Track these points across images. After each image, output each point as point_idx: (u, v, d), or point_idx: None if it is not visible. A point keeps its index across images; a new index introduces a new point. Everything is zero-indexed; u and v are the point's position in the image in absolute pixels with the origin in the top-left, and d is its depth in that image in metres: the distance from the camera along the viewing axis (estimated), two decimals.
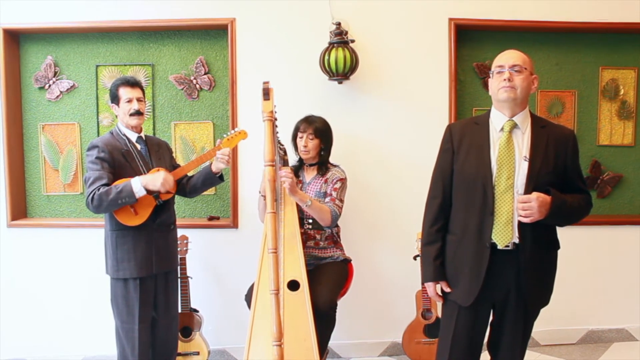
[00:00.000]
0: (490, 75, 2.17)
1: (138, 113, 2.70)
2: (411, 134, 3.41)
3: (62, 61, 3.46)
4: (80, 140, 3.48)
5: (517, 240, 2.07)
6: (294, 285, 2.67)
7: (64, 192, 3.51)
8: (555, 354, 3.45)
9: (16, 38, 3.44)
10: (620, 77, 3.59)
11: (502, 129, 2.13)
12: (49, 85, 3.45)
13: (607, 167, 3.63)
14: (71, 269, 3.45)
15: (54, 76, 3.45)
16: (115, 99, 2.71)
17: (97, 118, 3.47)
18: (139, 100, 2.71)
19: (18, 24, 3.33)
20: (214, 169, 2.82)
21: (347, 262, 3.02)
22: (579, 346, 3.58)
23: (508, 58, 2.11)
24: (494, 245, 2.08)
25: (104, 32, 3.42)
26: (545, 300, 2.23)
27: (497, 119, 2.16)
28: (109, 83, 3.43)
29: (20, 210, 3.48)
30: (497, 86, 2.11)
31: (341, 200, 2.90)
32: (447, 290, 2.22)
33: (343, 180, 2.93)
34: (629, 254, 3.59)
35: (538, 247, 2.10)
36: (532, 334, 3.52)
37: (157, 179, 2.58)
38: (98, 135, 3.44)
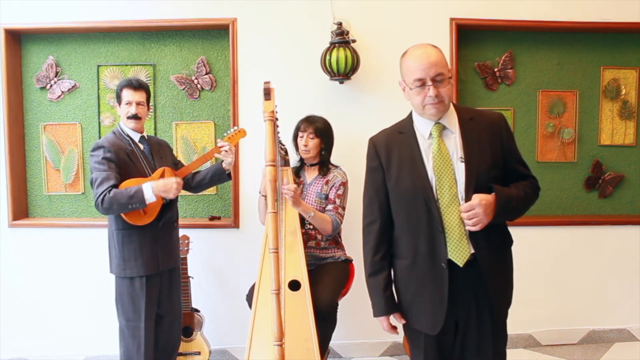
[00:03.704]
0: (404, 86, 1.94)
1: (134, 117, 2.72)
2: None
3: (64, 61, 3.46)
4: (82, 141, 3.49)
5: (473, 251, 1.87)
6: (295, 285, 2.67)
7: (65, 192, 3.51)
8: (556, 354, 3.45)
9: (17, 38, 3.44)
10: (621, 77, 3.59)
11: (430, 135, 1.93)
12: (51, 85, 3.46)
13: (608, 167, 3.62)
14: (72, 268, 3.45)
15: (56, 76, 3.45)
16: (117, 99, 2.75)
17: (99, 118, 3.47)
18: (139, 104, 2.73)
19: (19, 24, 3.33)
20: (225, 166, 2.85)
21: (348, 262, 3.02)
22: (580, 346, 3.57)
23: (428, 67, 1.84)
24: (450, 264, 1.86)
25: (106, 32, 3.42)
26: (510, 300, 2.02)
27: (423, 125, 1.95)
28: (111, 83, 3.44)
29: (21, 210, 3.48)
30: (420, 102, 1.88)
31: (343, 208, 2.90)
32: (402, 321, 2.01)
33: (345, 184, 2.93)
34: (631, 254, 3.58)
35: (494, 250, 1.91)
36: (533, 334, 3.55)
37: (169, 189, 2.59)
38: (99, 135, 3.45)
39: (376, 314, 2.05)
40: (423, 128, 1.96)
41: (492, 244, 1.90)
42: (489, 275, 1.88)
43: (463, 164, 1.87)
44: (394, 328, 2.06)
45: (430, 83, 1.85)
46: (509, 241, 2.03)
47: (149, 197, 2.56)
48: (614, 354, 3.45)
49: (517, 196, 1.90)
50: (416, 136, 1.96)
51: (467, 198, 1.84)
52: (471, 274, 1.88)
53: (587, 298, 3.59)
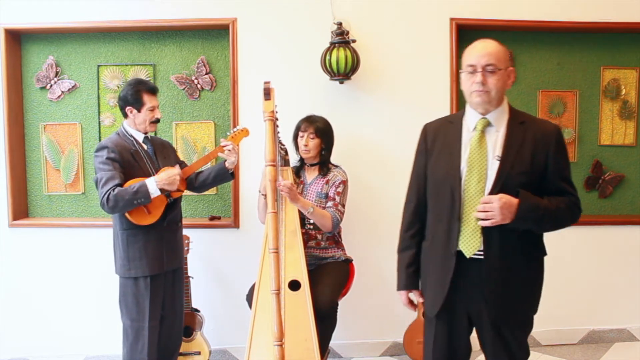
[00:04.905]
0: (461, 71, 1.98)
1: (159, 121, 2.79)
2: (412, 134, 3.36)
3: (64, 61, 3.46)
4: (82, 141, 3.48)
5: (482, 247, 1.89)
6: (295, 285, 2.67)
7: (65, 192, 3.51)
8: (556, 354, 3.45)
9: (17, 38, 3.44)
10: (621, 77, 3.58)
11: (474, 128, 1.96)
12: (51, 85, 3.46)
13: (608, 167, 3.62)
14: (72, 268, 3.45)
15: (56, 76, 3.45)
16: (136, 104, 2.71)
17: (99, 118, 3.47)
18: (158, 107, 2.78)
19: (19, 24, 3.33)
20: (227, 165, 2.85)
21: (348, 262, 3.02)
22: (580, 346, 3.58)
23: (480, 56, 1.90)
24: (460, 254, 1.91)
25: (106, 32, 3.42)
26: (521, 316, 2.00)
27: (471, 118, 1.99)
28: (111, 83, 3.44)
29: (21, 210, 3.48)
30: (468, 88, 1.93)
31: (343, 206, 2.90)
32: (420, 299, 2.09)
33: (345, 183, 2.93)
34: (631, 254, 3.58)
35: (509, 255, 1.90)
36: (533, 334, 3.55)
37: (172, 181, 2.62)
38: (99, 135, 3.45)
39: (397, 288, 2.14)
40: (470, 120, 2.00)
41: (510, 248, 1.90)
42: (494, 278, 1.89)
43: (498, 163, 1.90)
44: (412, 305, 2.15)
45: (479, 70, 1.89)
46: (535, 254, 2.00)
47: (153, 191, 2.57)
48: (614, 354, 3.45)
49: (546, 207, 1.89)
50: (462, 127, 2.01)
51: (492, 193, 1.87)
52: (480, 272, 1.91)
53: (588, 298, 3.59)
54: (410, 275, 2.08)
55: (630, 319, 3.63)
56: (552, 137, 1.94)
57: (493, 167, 1.90)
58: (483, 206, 1.83)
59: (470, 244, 1.90)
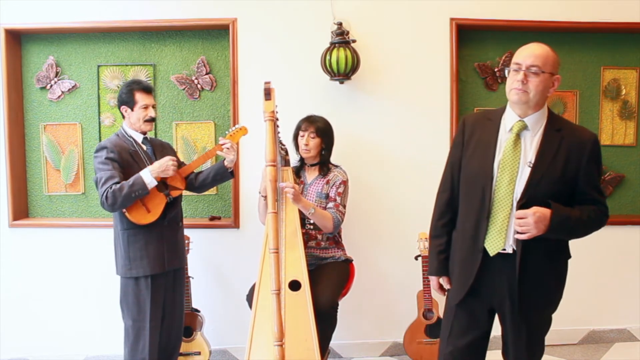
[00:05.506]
0: (508, 68, 2.02)
1: (153, 120, 2.77)
2: (412, 134, 3.41)
3: (64, 61, 3.46)
4: (82, 141, 3.48)
5: (514, 247, 1.96)
6: (295, 285, 2.67)
7: (66, 192, 3.51)
8: (556, 354, 3.45)
9: (18, 38, 3.44)
10: (621, 77, 3.59)
11: (510, 130, 1.99)
12: (51, 86, 3.46)
13: (608, 167, 3.62)
14: (72, 268, 3.45)
15: (56, 76, 3.45)
16: (129, 102, 2.73)
17: (99, 118, 3.47)
18: (153, 107, 2.77)
19: (20, 24, 3.33)
20: (226, 163, 2.85)
21: (348, 262, 3.02)
22: (580, 346, 3.58)
23: (527, 56, 1.94)
24: (486, 250, 1.99)
25: (106, 32, 3.42)
26: (543, 315, 2.12)
27: (509, 118, 2.02)
28: (111, 83, 3.44)
29: (21, 210, 3.48)
30: (509, 85, 1.97)
31: (344, 206, 2.90)
32: (447, 286, 2.16)
33: (345, 183, 2.93)
34: (631, 254, 3.59)
35: (538, 256, 1.97)
36: None
37: (166, 167, 2.65)
38: (100, 135, 3.45)
39: (428, 272, 2.25)
40: (508, 121, 2.02)
41: (536, 251, 1.95)
42: (523, 276, 1.95)
43: (529, 170, 1.93)
44: (442, 290, 2.22)
45: (523, 69, 1.93)
46: (562, 256, 2.08)
47: (149, 180, 2.60)
48: (614, 354, 3.45)
49: (577, 218, 1.94)
50: (499, 126, 2.03)
51: (521, 202, 1.92)
52: (506, 269, 1.97)
53: (588, 298, 3.59)
54: (442, 261, 2.15)
55: (630, 319, 3.63)
56: (586, 146, 1.97)
57: (524, 172, 1.94)
58: (519, 221, 1.89)
59: (494, 243, 1.96)
